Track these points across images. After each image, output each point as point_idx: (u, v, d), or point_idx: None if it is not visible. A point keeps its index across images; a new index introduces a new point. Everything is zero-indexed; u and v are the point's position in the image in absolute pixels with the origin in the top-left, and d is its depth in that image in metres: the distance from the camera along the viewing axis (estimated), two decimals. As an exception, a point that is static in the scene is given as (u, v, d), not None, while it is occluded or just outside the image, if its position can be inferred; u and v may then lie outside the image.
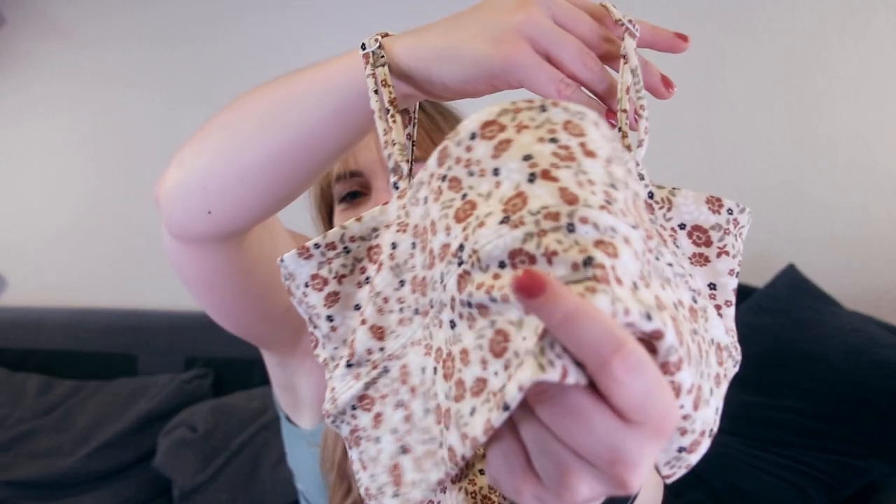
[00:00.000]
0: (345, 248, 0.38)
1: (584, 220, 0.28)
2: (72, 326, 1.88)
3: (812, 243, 1.60)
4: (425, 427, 0.34)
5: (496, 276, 0.29)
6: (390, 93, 0.38)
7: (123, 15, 1.96)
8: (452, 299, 0.31)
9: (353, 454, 0.38)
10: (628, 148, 0.36)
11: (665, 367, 0.28)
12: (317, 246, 0.38)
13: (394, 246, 0.36)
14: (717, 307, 0.36)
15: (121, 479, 1.61)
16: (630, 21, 0.38)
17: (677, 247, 0.36)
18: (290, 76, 0.44)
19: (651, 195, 0.36)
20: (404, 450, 0.36)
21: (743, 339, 1.43)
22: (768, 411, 1.25)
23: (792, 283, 1.42)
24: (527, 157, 0.30)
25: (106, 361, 1.84)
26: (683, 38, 0.40)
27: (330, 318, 0.38)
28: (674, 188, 0.36)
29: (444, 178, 0.33)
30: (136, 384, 1.76)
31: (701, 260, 0.36)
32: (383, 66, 0.38)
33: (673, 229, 0.36)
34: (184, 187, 0.47)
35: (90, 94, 2.01)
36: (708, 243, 0.36)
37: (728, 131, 1.65)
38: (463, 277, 0.30)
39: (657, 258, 0.32)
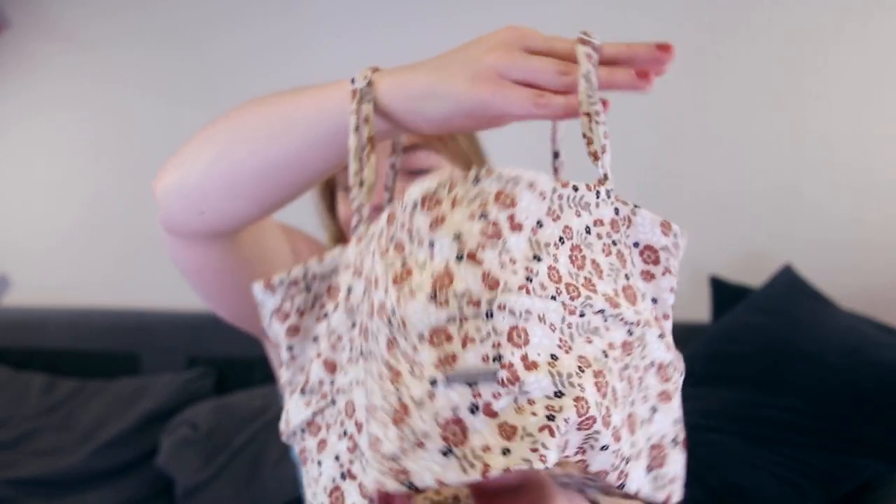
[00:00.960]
0: (306, 285, 0.41)
1: (501, 308, 0.32)
2: (75, 326, 1.89)
3: (809, 244, 1.60)
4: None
5: (415, 349, 0.33)
6: (370, 130, 0.40)
7: (127, 17, 1.97)
8: (382, 356, 0.34)
9: (302, 472, 0.42)
10: (594, 156, 0.37)
11: (605, 422, 0.33)
12: (281, 282, 0.41)
13: (349, 290, 0.39)
14: (656, 319, 0.39)
15: (123, 478, 1.62)
16: (585, 33, 0.39)
17: (633, 265, 0.39)
18: (286, 97, 0.46)
19: (617, 211, 0.38)
20: (348, 476, 0.38)
21: (740, 338, 1.44)
22: (765, 410, 1.26)
23: (789, 284, 1.43)
24: (457, 236, 0.33)
25: (109, 361, 1.85)
26: (665, 47, 0.38)
27: (290, 348, 0.42)
28: (635, 206, 0.38)
29: (392, 238, 0.35)
30: (139, 383, 1.77)
31: (648, 277, 0.39)
32: (370, 101, 0.41)
33: (629, 246, 0.39)
34: (180, 187, 0.50)
35: (94, 96, 2.02)
36: (656, 262, 0.39)
37: (724, 133, 1.66)
38: (391, 343, 0.34)
39: (583, 313, 0.35)
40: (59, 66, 2.03)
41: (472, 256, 0.33)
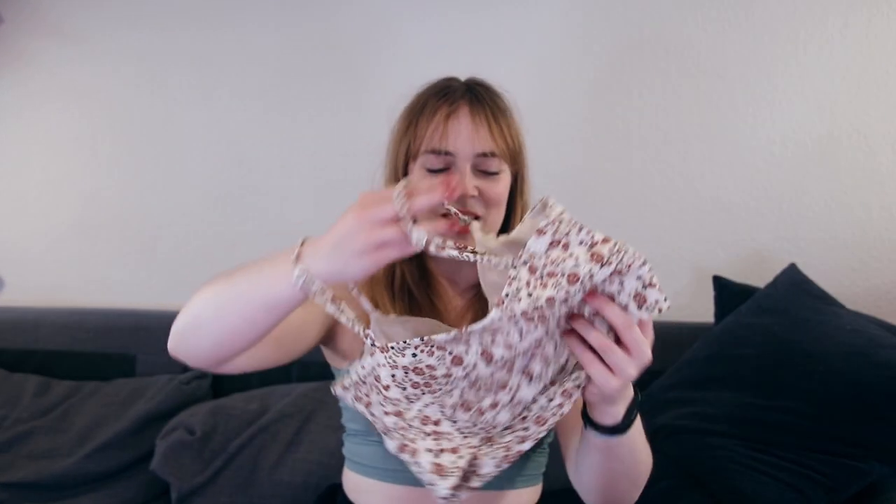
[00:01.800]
0: (363, 382, 0.67)
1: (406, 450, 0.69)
2: (70, 327, 1.87)
3: (813, 243, 1.59)
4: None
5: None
6: (330, 293, 0.64)
7: (118, 4, 1.95)
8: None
9: (439, 430, 0.70)
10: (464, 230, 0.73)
11: None
12: (350, 385, 0.68)
13: (386, 388, 0.67)
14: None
15: (119, 481, 1.61)
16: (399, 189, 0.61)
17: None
18: (247, 276, 0.67)
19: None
20: (439, 453, 0.69)
21: (744, 339, 1.42)
22: (767, 413, 1.24)
23: (793, 283, 1.41)
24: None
25: (104, 362, 1.84)
26: (450, 190, 0.62)
27: (372, 414, 0.69)
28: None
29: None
30: (135, 385, 1.75)
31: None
32: (316, 282, 0.63)
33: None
34: (198, 350, 0.71)
35: (89, 90, 1.99)
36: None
37: (728, 131, 1.64)
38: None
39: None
40: (54, 59, 2.01)
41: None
